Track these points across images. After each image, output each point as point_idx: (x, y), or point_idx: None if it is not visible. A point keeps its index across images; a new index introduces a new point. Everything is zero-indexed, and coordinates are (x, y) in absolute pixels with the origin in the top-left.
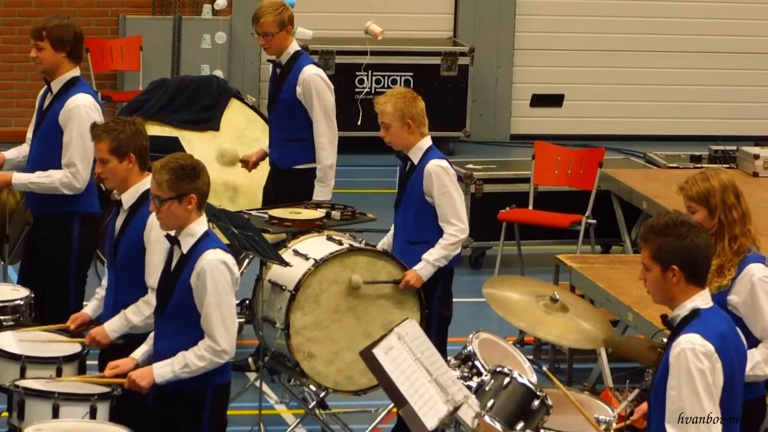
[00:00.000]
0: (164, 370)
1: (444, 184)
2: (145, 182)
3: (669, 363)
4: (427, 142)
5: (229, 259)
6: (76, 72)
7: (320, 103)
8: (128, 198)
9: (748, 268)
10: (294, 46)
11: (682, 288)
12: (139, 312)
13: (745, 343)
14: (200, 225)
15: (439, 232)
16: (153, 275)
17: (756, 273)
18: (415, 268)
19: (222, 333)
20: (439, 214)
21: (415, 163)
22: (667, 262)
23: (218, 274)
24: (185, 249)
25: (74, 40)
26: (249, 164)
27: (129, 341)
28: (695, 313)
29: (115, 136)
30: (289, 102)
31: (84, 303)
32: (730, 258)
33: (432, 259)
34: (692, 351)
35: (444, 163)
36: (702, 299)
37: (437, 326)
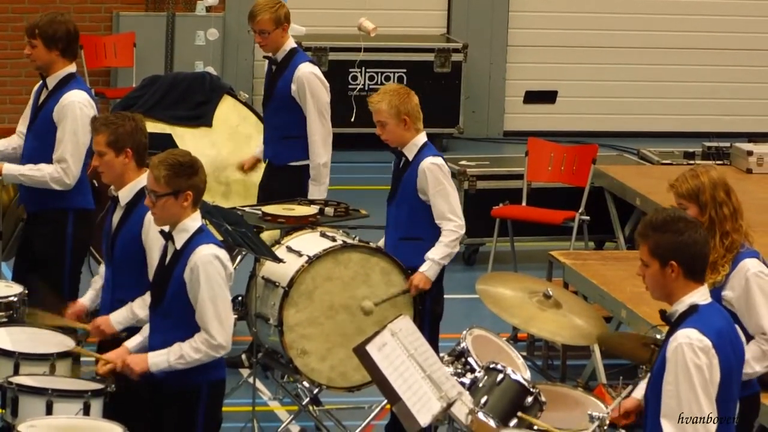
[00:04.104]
0: (159, 359)
1: (439, 181)
2: (143, 179)
3: (666, 358)
4: (422, 138)
5: (223, 254)
6: (71, 68)
7: (314, 101)
8: (125, 194)
9: (743, 263)
10: (290, 43)
11: (680, 284)
12: (145, 306)
13: (743, 339)
14: (194, 221)
15: (432, 229)
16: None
17: (751, 268)
18: (421, 269)
19: (217, 328)
20: (435, 211)
21: (410, 159)
22: (665, 258)
23: (211, 269)
24: (179, 245)
25: (67, 38)
26: (245, 168)
27: (130, 335)
28: (693, 308)
29: (113, 129)
30: (284, 99)
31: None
32: (723, 254)
33: (437, 258)
34: (689, 346)
35: (438, 160)
36: (700, 295)
37: (429, 322)
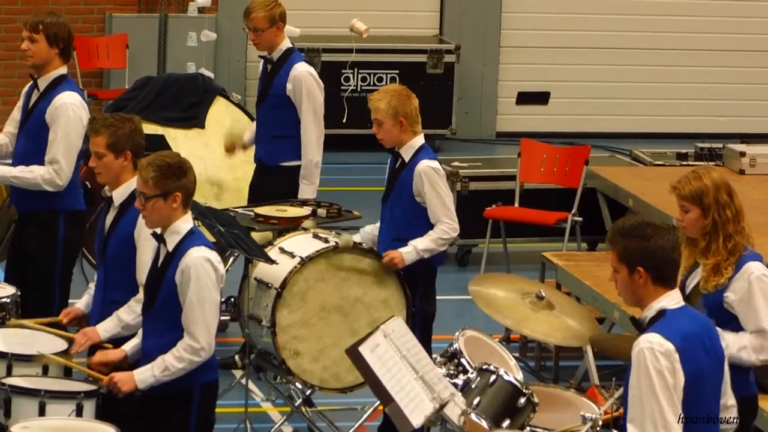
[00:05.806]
0: (145, 376)
1: (435, 184)
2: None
3: (631, 363)
4: (419, 140)
5: (214, 256)
6: (63, 70)
7: (310, 101)
8: (119, 195)
9: (747, 266)
10: (286, 43)
11: (649, 289)
12: (132, 311)
13: (723, 342)
14: (185, 223)
15: (426, 231)
16: (143, 273)
17: (755, 271)
18: (401, 249)
19: (202, 331)
20: (431, 213)
21: (406, 160)
22: (632, 264)
23: (202, 272)
24: (170, 247)
25: (68, 39)
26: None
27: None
28: (661, 313)
29: (113, 131)
30: (279, 98)
31: (69, 300)
32: (726, 257)
33: (420, 247)
34: (650, 350)
35: (434, 163)
36: (670, 299)
37: (421, 324)
